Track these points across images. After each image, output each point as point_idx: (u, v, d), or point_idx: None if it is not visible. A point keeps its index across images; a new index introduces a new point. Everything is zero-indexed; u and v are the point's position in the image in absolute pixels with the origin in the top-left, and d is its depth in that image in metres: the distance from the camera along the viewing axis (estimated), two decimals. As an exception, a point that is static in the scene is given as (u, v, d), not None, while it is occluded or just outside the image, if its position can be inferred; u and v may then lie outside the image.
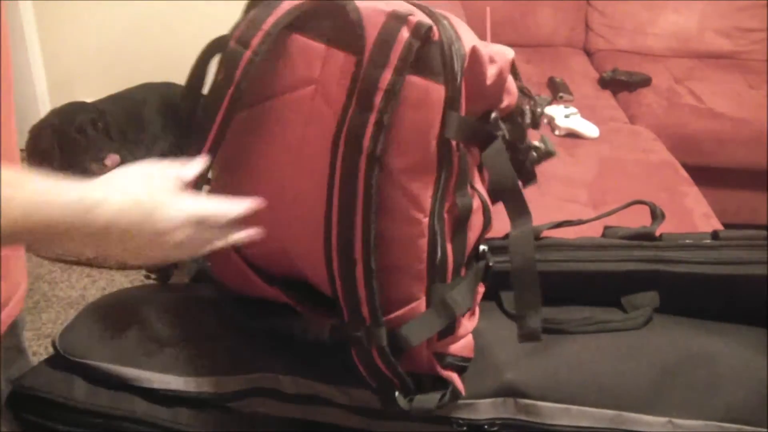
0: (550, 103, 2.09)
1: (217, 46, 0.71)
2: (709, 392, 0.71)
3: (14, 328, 0.73)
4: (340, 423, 0.75)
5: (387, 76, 0.60)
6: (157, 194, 0.60)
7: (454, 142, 0.63)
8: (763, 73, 2.46)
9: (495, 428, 0.73)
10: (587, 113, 2.01)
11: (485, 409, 0.72)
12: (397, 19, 0.61)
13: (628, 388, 0.71)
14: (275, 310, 0.74)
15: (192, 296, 0.82)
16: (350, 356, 0.68)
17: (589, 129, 1.94)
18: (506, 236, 0.83)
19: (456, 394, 0.69)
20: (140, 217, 0.58)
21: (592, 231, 0.87)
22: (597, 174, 1.73)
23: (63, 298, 1.81)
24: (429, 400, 0.68)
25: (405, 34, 0.60)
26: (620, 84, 2.36)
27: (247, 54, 0.66)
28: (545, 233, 0.83)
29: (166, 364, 0.74)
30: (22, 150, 1.94)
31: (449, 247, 0.67)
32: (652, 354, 0.74)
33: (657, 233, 0.83)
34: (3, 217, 0.51)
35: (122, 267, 1.86)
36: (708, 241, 0.81)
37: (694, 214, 1.57)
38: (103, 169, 1.92)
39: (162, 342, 0.76)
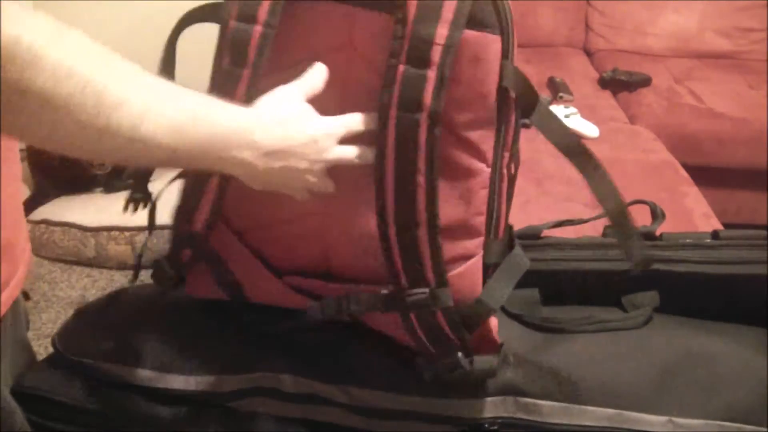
0: (550, 103, 2.09)
1: (188, 20, 0.69)
2: (709, 391, 0.71)
3: (17, 320, 0.72)
4: (340, 423, 0.75)
5: (443, 32, 0.59)
6: (300, 108, 0.62)
7: (511, 96, 0.64)
8: (763, 73, 2.46)
9: (495, 427, 0.73)
10: (587, 113, 2.01)
11: (486, 408, 0.72)
12: None
13: (628, 387, 0.71)
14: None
15: (193, 296, 0.82)
16: (351, 355, 0.68)
17: (589, 129, 1.94)
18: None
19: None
20: (300, 134, 0.60)
21: (592, 230, 0.87)
22: (597, 174, 1.72)
23: (63, 298, 1.81)
24: (487, 361, 0.68)
25: None
26: (620, 84, 2.36)
27: (258, 29, 0.61)
28: (545, 233, 0.83)
29: (166, 363, 0.74)
30: (22, 150, 1.94)
31: (503, 202, 0.68)
32: (653, 353, 0.74)
33: (657, 233, 0.83)
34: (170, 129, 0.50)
35: (122, 267, 1.86)
36: (708, 240, 0.81)
37: (694, 214, 1.57)
38: (105, 169, 1.92)
39: (162, 341, 0.76)
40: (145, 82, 0.51)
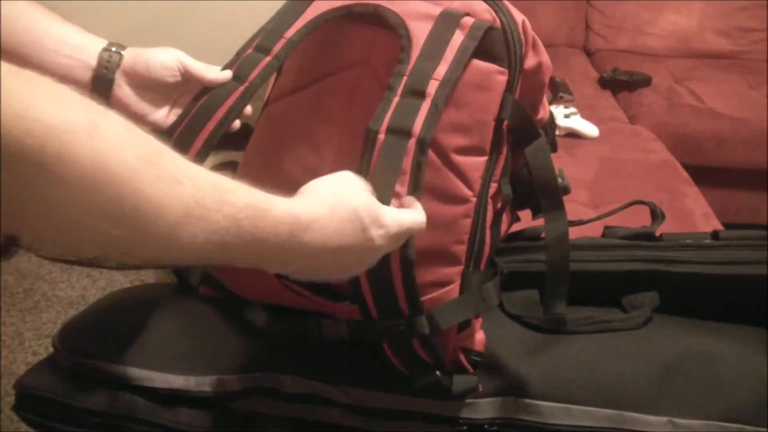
0: (550, 103, 2.09)
1: None
2: (710, 392, 0.71)
3: None
4: (341, 423, 0.75)
5: (442, 70, 0.60)
6: (368, 204, 0.53)
7: (505, 128, 0.65)
8: (763, 73, 2.46)
9: (495, 428, 0.73)
10: (587, 113, 2.01)
11: (485, 409, 0.72)
12: (448, 23, 0.62)
13: (628, 387, 0.71)
14: (288, 310, 0.73)
15: (192, 295, 0.82)
16: (352, 355, 0.68)
17: (589, 129, 1.94)
18: (507, 238, 0.83)
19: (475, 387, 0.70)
20: (357, 230, 0.52)
21: (592, 231, 0.87)
22: (597, 174, 1.72)
23: (63, 298, 1.81)
24: (468, 380, 0.69)
25: (459, 36, 0.61)
26: (620, 84, 2.36)
27: (267, 59, 0.66)
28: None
29: (166, 363, 0.74)
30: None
31: (488, 234, 0.67)
32: (653, 354, 0.74)
33: (657, 233, 0.83)
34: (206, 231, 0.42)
35: (122, 267, 1.86)
36: (708, 241, 0.81)
37: (694, 214, 1.57)
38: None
39: (162, 341, 0.76)
40: (187, 178, 0.42)
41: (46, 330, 1.70)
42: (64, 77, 0.66)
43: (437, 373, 0.67)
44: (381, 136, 0.58)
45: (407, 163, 0.58)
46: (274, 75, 0.79)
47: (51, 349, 0.78)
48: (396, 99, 0.60)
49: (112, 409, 0.74)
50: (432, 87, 0.60)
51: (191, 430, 0.74)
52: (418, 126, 0.58)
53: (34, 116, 0.33)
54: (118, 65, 0.69)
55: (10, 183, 0.33)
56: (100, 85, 0.69)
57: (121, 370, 0.74)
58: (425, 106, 0.59)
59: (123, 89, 0.70)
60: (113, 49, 0.69)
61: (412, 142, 0.58)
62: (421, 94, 0.60)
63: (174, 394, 0.74)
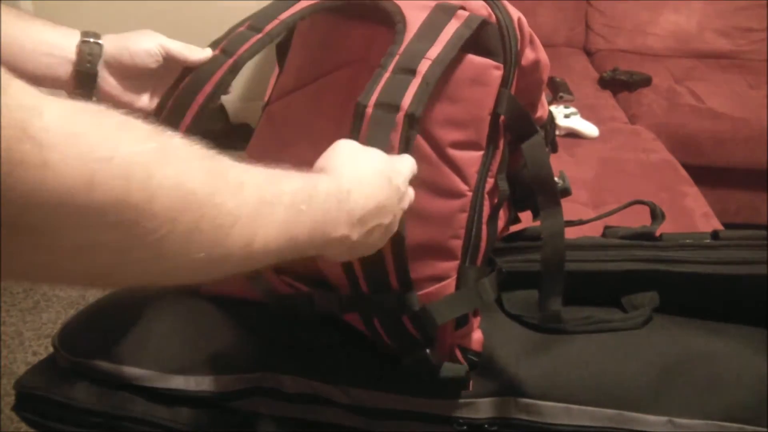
0: (550, 103, 2.09)
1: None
2: (709, 392, 0.71)
3: None
4: (341, 423, 0.75)
5: (436, 50, 0.60)
6: (383, 157, 0.55)
7: (502, 123, 0.65)
8: (763, 73, 2.46)
9: (495, 427, 0.73)
10: (587, 113, 2.01)
11: (485, 409, 0.72)
12: (443, 12, 0.62)
13: (628, 387, 0.71)
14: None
15: (192, 295, 0.82)
16: (352, 355, 0.68)
17: (589, 129, 1.94)
18: (507, 238, 0.83)
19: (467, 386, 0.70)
20: (386, 182, 0.53)
21: (592, 231, 0.87)
22: (597, 174, 1.72)
23: (63, 298, 1.81)
24: (457, 368, 0.68)
25: (454, 23, 0.61)
26: (620, 84, 2.36)
27: (258, 35, 0.65)
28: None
29: (166, 363, 0.74)
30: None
31: (484, 230, 0.67)
32: (652, 353, 0.74)
33: (657, 233, 0.83)
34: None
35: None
36: (708, 241, 0.81)
37: (694, 214, 1.57)
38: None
39: (162, 341, 0.76)
40: (245, 178, 0.41)
41: (46, 330, 1.70)
42: (45, 76, 0.65)
43: (426, 351, 0.66)
44: (369, 110, 0.57)
45: (395, 137, 0.57)
46: (276, 75, 0.79)
47: (51, 349, 0.78)
48: (386, 75, 0.59)
49: (111, 409, 0.74)
50: (424, 66, 0.59)
51: (191, 430, 0.74)
52: (407, 101, 0.57)
53: (115, 155, 0.31)
54: (100, 56, 0.68)
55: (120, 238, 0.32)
56: (84, 79, 0.67)
57: (121, 370, 0.74)
58: (415, 82, 0.58)
59: (108, 81, 0.68)
60: (91, 40, 0.68)
61: (400, 116, 0.57)
62: (412, 72, 0.59)
63: (173, 394, 0.74)
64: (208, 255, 0.37)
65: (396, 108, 0.57)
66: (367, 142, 0.56)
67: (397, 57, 0.60)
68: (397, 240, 0.58)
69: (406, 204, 0.57)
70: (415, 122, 0.57)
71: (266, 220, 0.41)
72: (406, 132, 0.57)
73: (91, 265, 0.33)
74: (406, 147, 0.57)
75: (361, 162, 0.53)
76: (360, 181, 0.51)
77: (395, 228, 0.56)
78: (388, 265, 0.60)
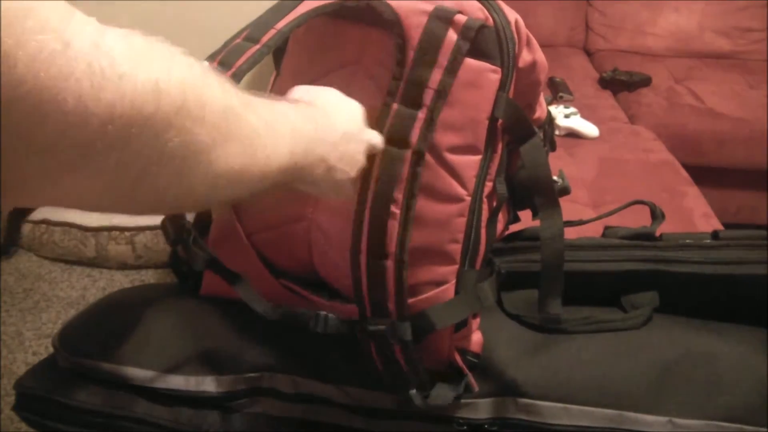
0: (550, 103, 2.09)
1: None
2: (710, 392, 0.71)
3: None
4: (340, 423, 0.75)
5: (436, 78, 0.61)
6: (337, 92, 0.60)
7: (500, 127, 0.65)
8: (763, 73, 2.46)
9: (495, 428, 0.73)
10: (587, 113, 2.01)
11: (485, 409, 0.72)
12: (440, 20, 0.62)
13: (628, 387, 0.71)
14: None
15: (192, 295, 0.82)
16: (352, 355, 0.68)
17: (589, 129, 1.94)
18: (507, 238, 0.83)
19: (470, 388, 0.70)
20: (358, 120, 0.59)
21: (592, 231, 0.87)
22: (597, 174, 1.72)
23: (63, 298, 1.81)
24: (445, 396, 0.68)
25: (452, 35, 0.61)
26: (620, 84, 2.36)
27: (255, 47, 0.66)
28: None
29: (166, 363, 0.74)
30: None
31: (483, 233, 0.67)
32: (652, 353, 0.74)
33: (657, 233, 0.83)
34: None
35: (122, 267, 1.86)
36: (708, 241, 0.81)
37: (694, 214, 1.57)
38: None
39: (162, 341, 0.76)
40: (254, 101, 0.46)
41: (46, 330, 1.70)
42: None
43: (413, 392, 0.67)
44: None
45: (404, 172, 0.61)
46: (273, 79, 0.78)
47: (51, 349, 0.78)
48: (395, 106, 0.62)
49: (112, 409, 0.74)
50: (428, 97, 0.61)
51: (191, 430, 0.74)
52: (414, 137, 0.60)
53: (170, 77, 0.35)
54: None
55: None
56: None
57: (121, 370, 0.74)
58: (421, 116, 0.61)
59: None
60: None
61: (408, 154, 0.60)
62: (417, 104, 0.61)
63: (174, 394, 0.74)
64: (241, 167, 0.42)
65: (406, 144, 0.61)
66: (380, 176, 0.61)
67: (403, 85, 0.61)
68: (400, 264, 0.61)
69: (365, 136, 0.60)
70: (421, 158, 0.61)
71: (278, 134, 0.46)
72: (414, 168, 0.61)
73: (154, 181, 0.36)
74: (413, 180, 0.61)
75: (339, 95, 0.60)
76: (336, 103, 0.58)
77: (362, 159, 0.60)
78: (389, 286, 0.62)
